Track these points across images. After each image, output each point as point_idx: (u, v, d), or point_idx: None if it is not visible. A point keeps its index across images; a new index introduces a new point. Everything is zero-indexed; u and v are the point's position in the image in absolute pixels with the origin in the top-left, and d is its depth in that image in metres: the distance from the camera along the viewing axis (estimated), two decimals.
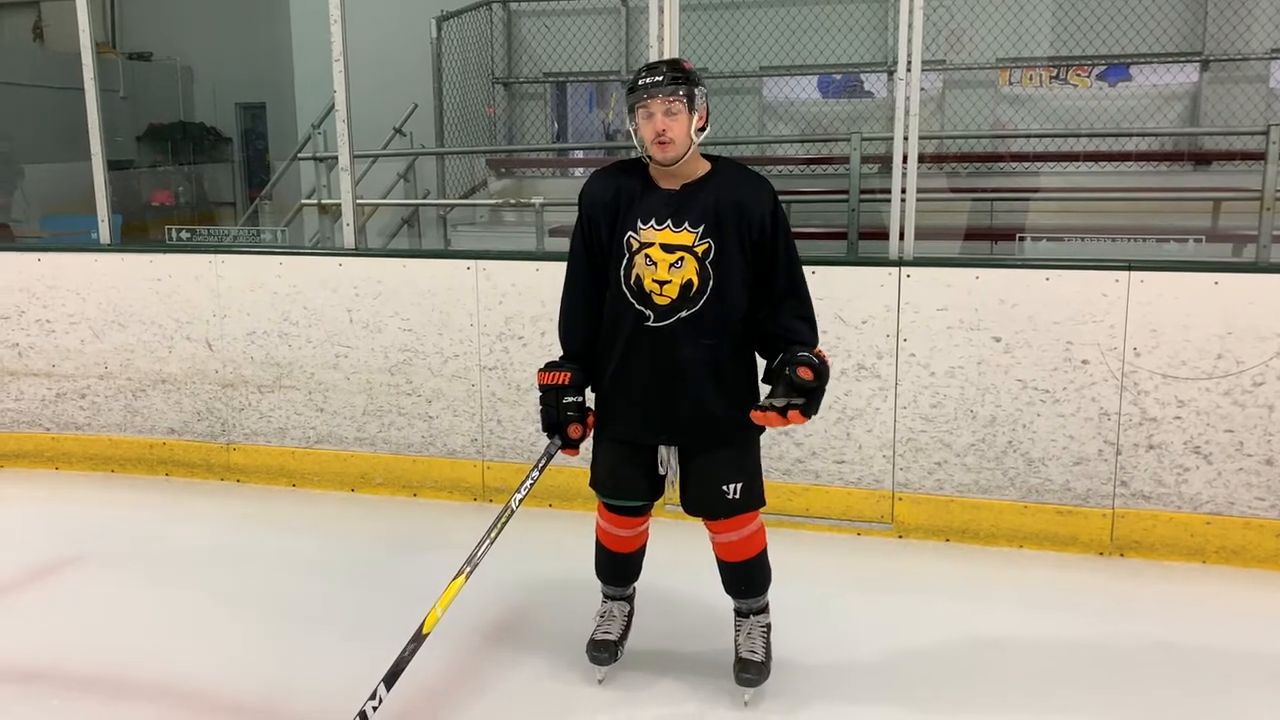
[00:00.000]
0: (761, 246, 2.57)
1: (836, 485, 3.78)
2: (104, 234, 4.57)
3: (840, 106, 7.53)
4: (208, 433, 4.46)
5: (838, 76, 8.07)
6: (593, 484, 2.75)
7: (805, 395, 2.46)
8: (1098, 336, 3.46)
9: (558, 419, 2.65)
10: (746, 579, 2.74)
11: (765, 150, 7.36)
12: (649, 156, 2.57)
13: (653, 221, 2.56)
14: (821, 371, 2.46)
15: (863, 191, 4.94)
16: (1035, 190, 6.30)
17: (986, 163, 6.63)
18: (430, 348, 4.11)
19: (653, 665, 2.89)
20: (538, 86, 7.91)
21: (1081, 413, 3.52)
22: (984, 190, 6.20)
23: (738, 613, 2.79)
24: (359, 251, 4.25)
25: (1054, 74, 8.68)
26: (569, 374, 2.64)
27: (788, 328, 2.58)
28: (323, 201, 6.09)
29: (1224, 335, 3.38)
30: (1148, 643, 3.02)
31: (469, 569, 2.57)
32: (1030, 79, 8.49)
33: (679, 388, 2.59)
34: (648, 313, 2.57)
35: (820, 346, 2.57)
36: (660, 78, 2.50)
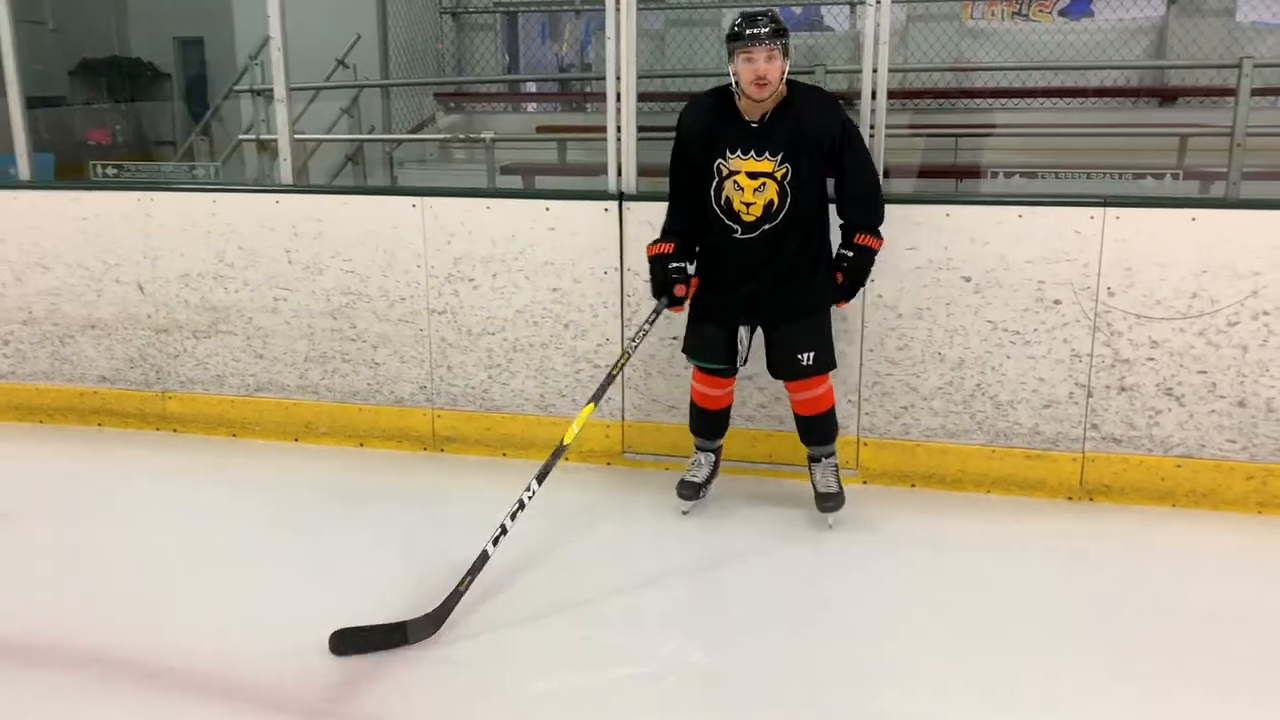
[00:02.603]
0: (834, 157, 3.10)
1: (790, 431, 3.55)
2: (23, 170, 4.29)
3: (800, 39, 7.29)
4: (141, 381, 4.26)
5: (798, 10, 7.86)
6: (688, 351, 3.32)
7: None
8: (1071, 275, 3.37)
9: (664, 279, 3.18)
10: (819, 429, 3.31)
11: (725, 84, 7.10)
12: (740, 92, 3.05)
13: (739, 151, 3.07)
14: (852, 270, 3.14)
15: None
16: (996, 127, 6.16)
17: (951, 99, 6.47)
18: (375, 290, 3.94)
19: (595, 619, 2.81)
20: (488, 17, 7.61)
21: (1052, 354, 3.45)
22: (947, 127, 6.05)
23: (811, 458, 3.35)
24: (297, 188, 4.03)
25: (1016, 9, 8.52)
26: (673, 244, 3.18)
27: (851, 219, 3.16)
28: (261, 137, 5.81)
29: (1200, 274, 3.29)
30: (1116, 587, 2.98)
31: (595, 401, 3.07)
32: (992, 13, 8.33)
33: (760, 284, 3.14)
34: (735, 227, 3.11)
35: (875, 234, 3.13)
36: (765, 30, 2.95)
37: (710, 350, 3.27)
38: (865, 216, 3.17)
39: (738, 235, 3.13)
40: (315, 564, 3.15)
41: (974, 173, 4.97)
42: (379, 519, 3.45)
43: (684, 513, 3.40)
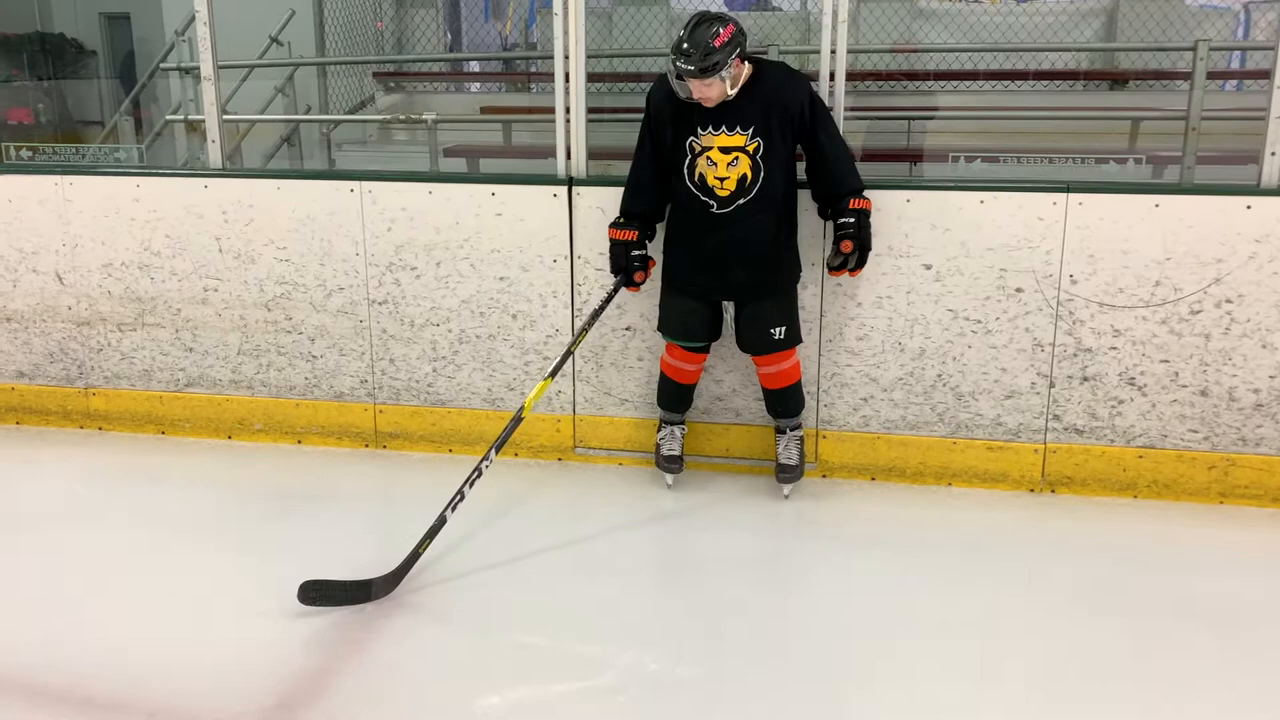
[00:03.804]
0: (804, 131, 3.14)
1: (758, 424, 3.61)
2: None
3: (749, 20, 7.19)
4: (63, 376, 4.06)
5: None
6: (662, 329, 3.37)
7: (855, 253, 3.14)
8: (1033, 263, 3.31)
9: (626, 265, 3.26)
10: (784, 402, 3.39)
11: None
12: None
13: (710, 127, 3.12)
14: (860, 235, 3.13)
15: None
16: (945, 110, 6.10)
17: (899, 80, 6.40)
18: (311, 280, 3.78)
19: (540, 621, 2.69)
20: None
21: (1014, 344, 3.39)
22: (896, 110, 5.97)
23: (777, 429, 3.45)
24: (227, 172, 3.83)
25: None
26: (635, 232, 3.25)
27: (836, 188, 3.17)
28: (189, 118, 5.55)
29: (1163, 261, 3.24)
30: (1080, 581, 2.94)
31: (553, 376, 3.16)
32: None
33: (738, 257, 3.20)
34: (711, 202, 3.16)
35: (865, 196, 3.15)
36: (692, 68, 2.97)
37: (691, 328, 3.34)
38: (851, 182, 3.19)
39: (714, 210, 3.17)
40: (249, 570, 3.00)
41: (938, 157, 4.89)
42: (319, 520, 3.32)
43: (669, 484, 3.51)
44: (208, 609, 2.78)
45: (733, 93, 3.05)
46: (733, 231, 3.18)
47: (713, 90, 3.03)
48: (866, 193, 3.21)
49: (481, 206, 3.60)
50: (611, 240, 3.30)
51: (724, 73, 2.99)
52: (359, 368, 3.84)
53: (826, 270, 3.32)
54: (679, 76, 3.01)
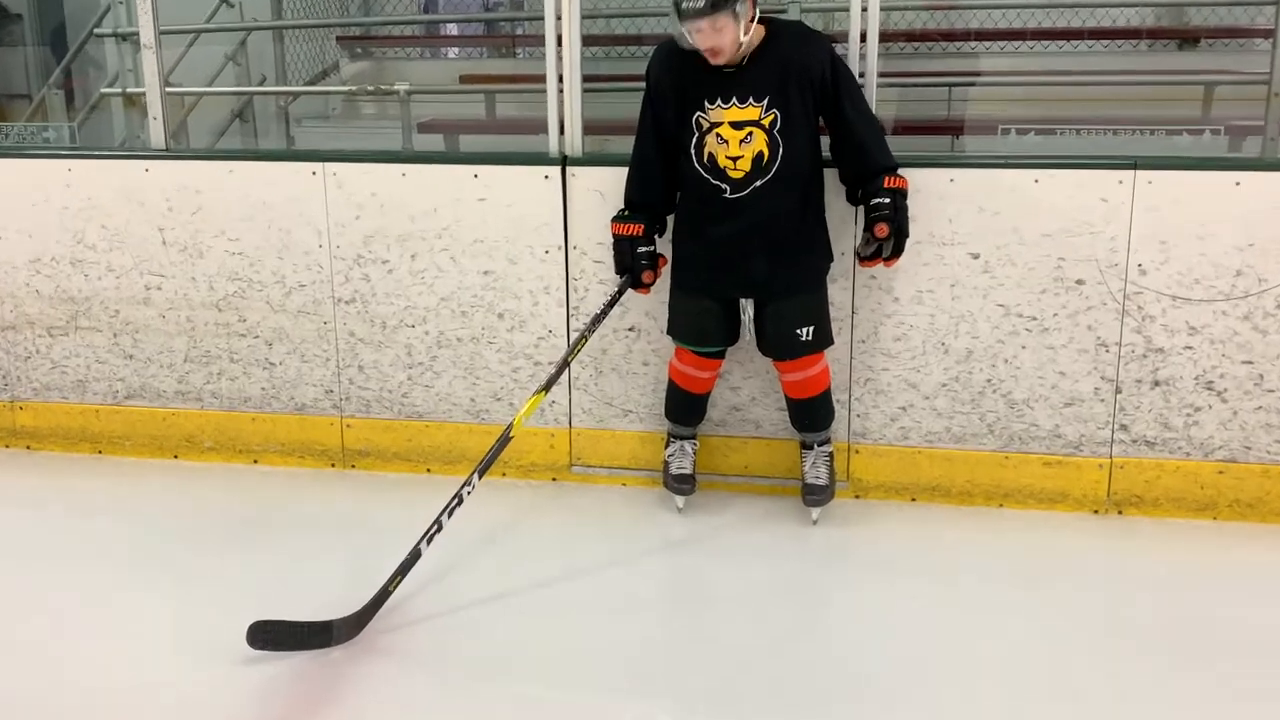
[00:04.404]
0: (826, 99, 3.09)
1: (781, 438, 3.58)
2: None
3: None
4: None
5: None
6: (671, 332, 3.37)
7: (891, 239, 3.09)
8: (1095, 251, 3.28)
9: (632, 265, 3.22)
10: (812, 413, 3.36)
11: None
12: None
13: (719, 100, 3.08)
14: (896, 218, 3.06)
15: None
16: (988, 74, 6.04)
17: (940, 41, 6.34)
18: (268, 276, 3.77)
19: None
20: None
21: (1075, 343, 3.36)
22: (933, 75, 5.92)
23: (803, 445, 3.41)
24: (171, 153, 3.82)
25: None
26: (641, 225, 3.22)
27: (866, 164, 3.13)
28: (127, 91, 5.54)
29: (1245, 248, 3.21)
30: (1153, 615, 2.90)
31: (547, 389, 3.13)
32: None
33: (757, 248, 3.15)
34: (724, 186, 3.12)
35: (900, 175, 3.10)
36: (701, 4, 2.89)
37: (705, 332, 3.31)
38: (883, 159, 3.15)
39: (727, 195, 3.13)
40: (196, 609, 2.97)
41: (984, 129, 4.85)
42: (276, 552, 3.29)
43: (680, 508, 3.49)
44: (148, 654, 2.75)
45: (745, 39, 2.98)
46: (750, 218, 3.15)
47: (725, 37, 2.95)
48: (902, 171, 3.18)
49: (462, 190, 3.58)
50: (615, 236, 3.28)
51: (738, 7, 2.91)
52: (323, 376, 3.83)
53: (857, 261, 3.29)
54: (683, 18, 2.94)
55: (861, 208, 3.20)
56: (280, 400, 3.89)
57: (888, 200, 3.09)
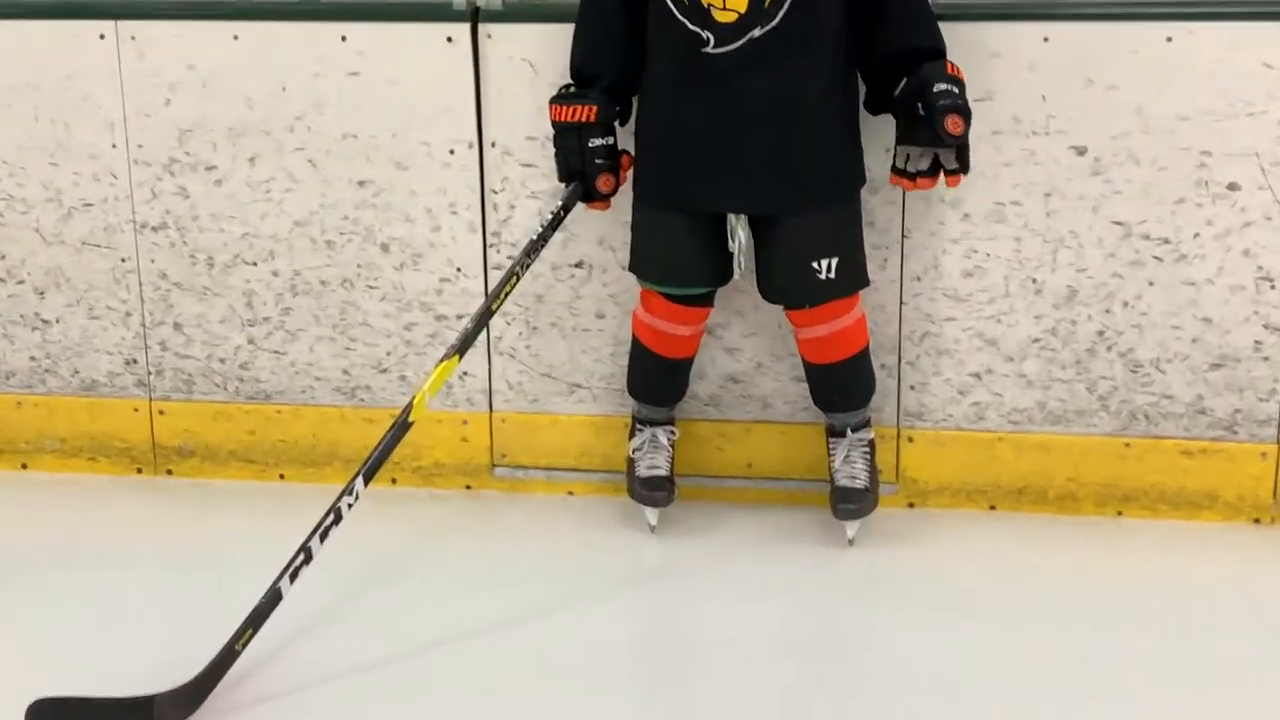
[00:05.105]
0: None
1: (800, 420, 3.33)
2: None
3: None
4: None
5: None
6: (636, 269, 3.11)
7: (953, 148, 2.82)
8: (1256, 141, 3.01)
9: (582, 167, 2.96)
10: (841, 386, 3.11)
11: None
12: None
13: None
14: (967, 109, 2.76)
15: None
16: None
17: None
18: (36, 192, 3.48)
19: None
20: None
21: (1225, 277, 3.08)
22: None
23: (831, 431, 3.16)
24: None
25: None
26: (594, 107, 2.93)
27: (907, 39, 2.87)
28: None
29: None
30: None
31: (461, 353, 2.89)
32: None
33: (752, 135, 2.88)
34: (705, 35, 2.85)
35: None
36: None
37: (684, 267, 3.05)
38: (933, 39, 2.90)
39: (710, 49, 2.84)
40: None
41: None
42: (68, 597, 3.04)
43: (653, 526, 3.24)
44: None
45: None
46: (744, 85, 2.85)
47: None
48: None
49: (325, 60, 3.32)
50: (556, 125, 3.00)
51: None
52: (121, 340, 3.58)
53: (898, 181, 2.98)
54: None
55: (890, 114, 2.96)
56: (59, 376, 3.64)
57: (944, 87, 2.80)
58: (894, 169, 2.96)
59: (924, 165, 2.85)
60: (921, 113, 2.78)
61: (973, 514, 3.32)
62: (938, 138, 2.75)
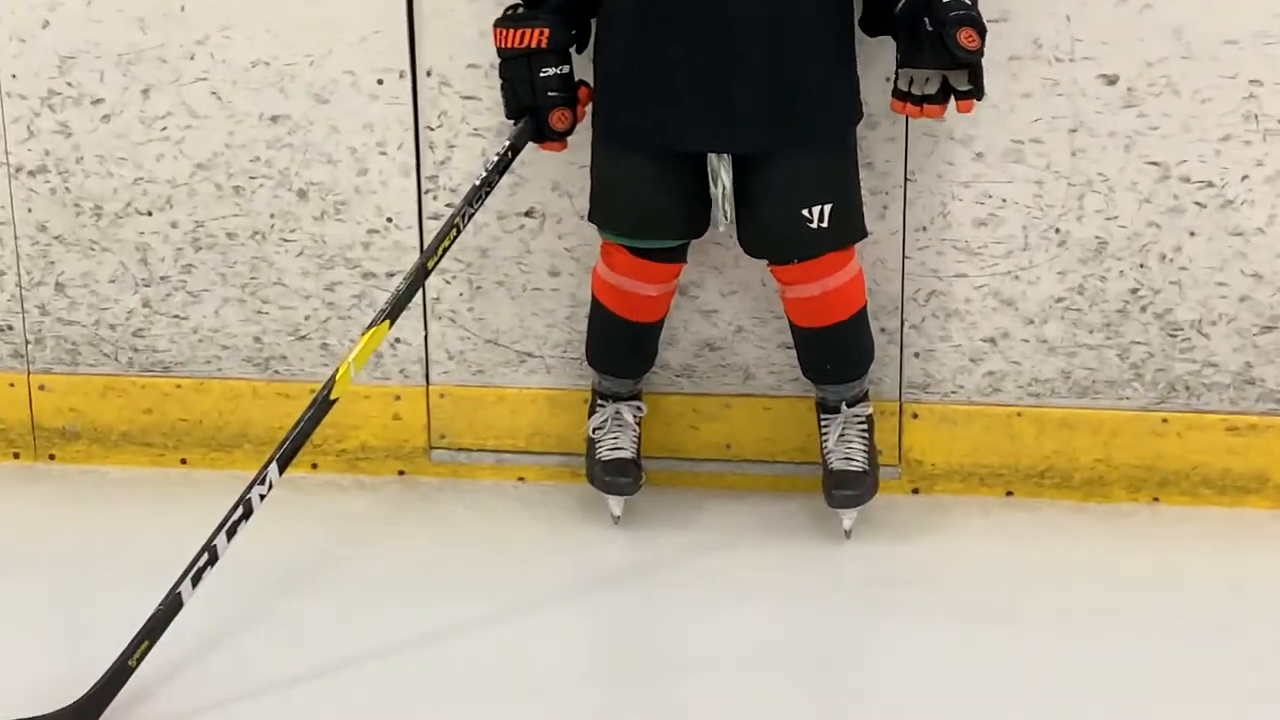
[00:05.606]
0: None
1: (786, 394, 3.17)
2: None
3: None
4: None
5: None
6: (597, 219, 3.00)
7: (965, 67, 2.70)
8: None
9: (533, 99, 2.86)
10: (834, 353, 3.03)
11: None
12: None
13: None
14: (980, 22, 2.65)
15: None
16: None
17: None
18: None
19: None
20: None
21: (1278, 226, 2.92)
22: None
23: (823, 406, 3.09)
24: None
25: None
26: (546, 30, 2.82)
27: None
28: None
29: None
30: None
31: (392, 319, 2.77)
32: None
33: (732, 62, 2.77)
34: None
35: None
36: None
37: (652, 214, 2.89)
38: None
39: None
40: None
41: None
42: None
43: (617, 518, 3.11)
44: None
45: None
46: (722, 10, 2.72)
47: None
48: None
49: None
50: (503, 52, 2.85)
51: None
52: None
53: (902, 107, 2.81)
54: None
55: (890, 36, 2.82)
56: None
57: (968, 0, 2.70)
58: (896, 92, 2.78)
59: (932, 89, 2.69)
60: (929, 28, 2.59)
61: (986, 501, 3.16)
62: (948, 57, 2.57)
